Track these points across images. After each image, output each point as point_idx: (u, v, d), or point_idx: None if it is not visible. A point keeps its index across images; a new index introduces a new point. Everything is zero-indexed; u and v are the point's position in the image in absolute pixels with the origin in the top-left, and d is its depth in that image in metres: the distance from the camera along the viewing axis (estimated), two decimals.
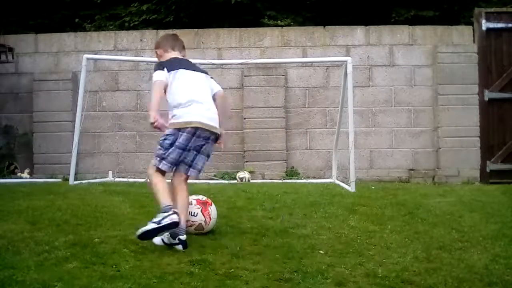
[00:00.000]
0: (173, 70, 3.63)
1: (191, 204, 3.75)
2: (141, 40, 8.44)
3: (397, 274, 2.90)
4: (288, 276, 2.83)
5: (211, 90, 3.78)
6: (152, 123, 3.50)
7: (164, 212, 3.30)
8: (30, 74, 8.35)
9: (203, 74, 3.81)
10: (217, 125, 3.62)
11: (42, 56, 8.46)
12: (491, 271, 2.99)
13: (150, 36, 8.45)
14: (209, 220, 3.74)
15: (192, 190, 5.53)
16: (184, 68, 3.70)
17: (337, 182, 7.24)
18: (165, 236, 3.39)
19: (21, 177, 7.84)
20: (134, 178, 7.75)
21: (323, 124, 8.25)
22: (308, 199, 5.46)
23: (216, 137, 3.67)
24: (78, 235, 3.62)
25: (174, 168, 3.59)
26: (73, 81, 8.17)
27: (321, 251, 3.35)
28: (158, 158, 3.53)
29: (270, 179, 7.82)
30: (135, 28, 9.08)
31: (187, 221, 3.69)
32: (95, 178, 7.70)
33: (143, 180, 7.56)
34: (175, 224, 3.28)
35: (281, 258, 3.16)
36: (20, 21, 9.57)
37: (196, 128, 3.51)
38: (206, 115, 3.57)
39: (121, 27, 9.21)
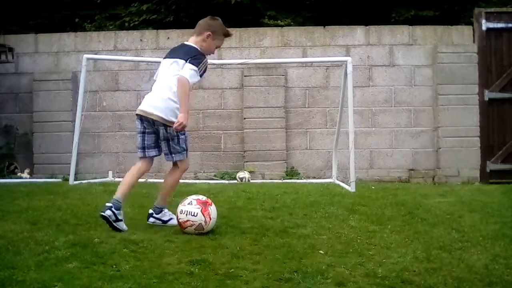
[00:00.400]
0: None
1: (191, 204, 3.75)
2: (141, 40, 8.44)
3: (397, 274, 2.90)
4: (288, 276, 2.83)
5: (174, 75, 3.83)
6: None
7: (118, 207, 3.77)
8: (30, 74, 8.35)
9: (170, 60, 3.92)
10: (157, 111, 3.82)
11: (42, 56, 8.46)
12: (491, 271, 2.99)
13: (150, 36, 8.45)
14: (209, 220, 3.73)
15: (192, 190, 5.56)
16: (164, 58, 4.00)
17: (337, 182, 7.24)
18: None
19: (21, 177, 7.83)
20: None
21: (323, 124, 8.25)
22: (308, 199, 5.46)
23: (164, 123, 3.84)
24: (78, 235, 3.62)
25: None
26: (73, 81, 8.17)
27: (321, 251, 3.35)
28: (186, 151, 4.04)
29: (270, 179, 7.82)
30: (135, 28, 9.08)
31: (187, 221, 3.69)
32: (95, 178, 7.70)
33: (143, 180, 7.55)
34: (103, 218, 3.73)
35: (281, 258, 3.16)
36: (20, 21, 9.57)
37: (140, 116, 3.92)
38: (148, 102, 3.89)
39: (121, 27, 9.21)
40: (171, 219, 3.99)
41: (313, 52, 8.29)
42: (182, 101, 3.76)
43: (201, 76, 3.84)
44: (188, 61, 3.78)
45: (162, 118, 3.82)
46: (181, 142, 3.94)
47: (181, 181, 7.70)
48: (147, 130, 3.97)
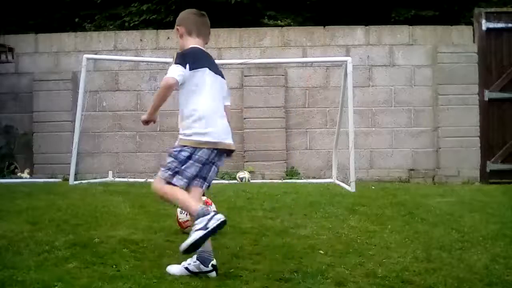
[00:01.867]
0: (197, 68, 2.96)
1: None
2: (141, 40, 8.44)
3: (397, 274, 2.89)
4: (288, 276, 2.83)
5: (224, 99, 3.26)
6: (145, 122, 3.14)
7: (204, 216, 2.71)
8: (30, 74, 8.35)
9: (224, 80, 3.22)
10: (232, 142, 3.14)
11: (42, 56, 8.47)
12: (491, 271, 2.99)
13: (150, 36, 8.45)
14: None
15: None
16: (209, 68, 3.05)
17: (337, 182, 7.24)
18: (191, 263, 2.84)
19: (21, 177, 7.84)
20: (134, 178, 7.75)
21: (323, 124, 8.25)
22: (308, 199, 5.46)
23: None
24: (78, 235, 3.62)
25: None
26: (73, 81, 8.17)
27: (321, 251, 3.35)
28: (170, 172, 2.89)
29: (270, 179, 7.82)
30: (135, 28, 9.08)
31: (187, 221, 3.69)
32: (95, 178, 7.70)
33: (143, 180, 7.56)
34: (224, 223, 2.73)
35: (281, 258, 3.16)
36: (20, 21, 9.57)
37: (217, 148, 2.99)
38: (226, 133, 3.09)
39: (121, 27, 9.21)
40: (214, 215, 2.79)
41: (313, 52, 8.29)
42: (154, 102, 3.10)
43: None
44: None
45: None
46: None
47: None
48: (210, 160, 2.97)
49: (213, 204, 3.85)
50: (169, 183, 2.88)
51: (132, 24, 9.26)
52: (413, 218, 4.48)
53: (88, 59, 7.21)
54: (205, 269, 2.81)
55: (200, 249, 2.79)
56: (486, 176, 7.95)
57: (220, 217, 2.71)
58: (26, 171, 8.03)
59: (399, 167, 8.18)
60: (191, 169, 2.89)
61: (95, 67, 8.26)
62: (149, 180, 6.98)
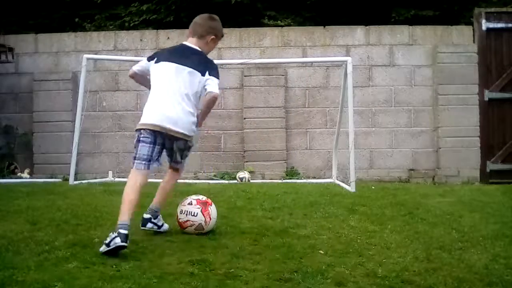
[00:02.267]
0: (158, 61, 3.62)
1: (191, 204, 3.75)
2: (141, 40, 8.44)
3: (397, 274, 2.90)
4: (288, 276, 2.83)
5: (197, 88, 3.53)
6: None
7: (113, 232, 3.15)
8: (30, 74, 8.35)
9: (182, 68, 3.51)
10: (181, 129, 3.48)
11: (42, 56, 8.47)
12: (491, 271, 2.99)
13: (150, 36, 8.45)
14: (209, 220, 3.73)
15: (192, 190, 5.55)
16: (167, 60, 3.57)
17: (337, 182, 7.24)
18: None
19: (21, 177, 7.84)
20: None
21: (323, 124, 8.25)
22: (308, 199, 5.46)
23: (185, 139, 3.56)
24: (78, 235, 3.62)
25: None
26: (73, 81, 8.17)
27: (321, 251, 3.35)
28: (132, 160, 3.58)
29: (270, 179, 7.82)
30: (135, 28, 9.08)
31: (187, 221, 3.69)
32: (95, 178, 7.70)
33: None
34: (119, 248, 3.08)
35: (281, 258, 3.16)
36: (20, 21, 9.57)
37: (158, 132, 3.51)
38: (169, 117, 3.48)
39: (121, 27, 9.22)
40: (163, 224, 3.78)
41: (313, 52, 8.29)
42: (205, 114, 3.67)
43: None
44: (213, 76, 3.56)
45: (185, 135, 3.53)
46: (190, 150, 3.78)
47: (181, 181, 7.75)
48: (157, 142, 3.53)
49: (213, 204, 3.86)
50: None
51: (132, 24, 9.26)
52: (413, 218, 4.48)
53: (88, 59, 7.21)
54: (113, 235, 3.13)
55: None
56: (486, 176, 7.95)
57: (117, 242, 3.05)
58: (26, 171, 8.03)
59: (399, 167, 8.19)
60: (140, 150, 3.55)
61: (95, 67, 8.26)
62: (149, 180, 6.98)
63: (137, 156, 3.50)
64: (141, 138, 3.57)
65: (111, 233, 3.12)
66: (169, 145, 3.60)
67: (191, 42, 3.68)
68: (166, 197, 3.86)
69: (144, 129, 3.57)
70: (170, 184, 3.84)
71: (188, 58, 3.57)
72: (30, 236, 3.55)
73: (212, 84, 3.53)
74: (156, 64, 3.61)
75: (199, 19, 3.77)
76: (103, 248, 3.09)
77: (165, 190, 3.81)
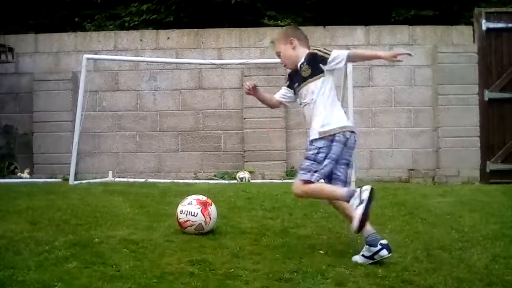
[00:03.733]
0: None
1: (191, 204, 3.75)
2: (141, 40, 8.43)
3: (397, 274, 2.90)
4: (288, 276, 2.83)
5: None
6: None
7: (352, 195, 3.04)
8: (30, 74, 8.34)
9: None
10: None
11: (42, 56, 8.46)
12: (491, 271, 2.99)
13: (150, 36, 8.45)
14: (209, 220, 3.74)
15: (192, 190, 5.56)
16: None
17: None
18: (364, 250, 3.12)
19: (21, 177, 7.83)
20: (134, 178, 7.75)
21: None
22: (308, 199, 5.45)
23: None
24: (78, 235, 3.62)
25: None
26: (73, 81, 8.16)
27: (321, 251, 3.35)
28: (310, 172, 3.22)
29: (270, 179, 7.82)
30: (135, 28, 9.08)
31: (187, 221, 3.70)
32: (95, 178, 7.70)
33: (143, 180, 7.56)
34: (373, 190, 3.02)
35: (281, 258, 3.16)
36: (20, 21, 9.56)
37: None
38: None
39: (121, 27, 9.21)
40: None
41: None
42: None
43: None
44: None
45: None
46: None
47: (181, 181, 7.76)
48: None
49: (213, 204, 3.86)
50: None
51: (132, 24, 9.26)
52: (413, 218, 4.48)
53: (88, 59, 7.21)
54: (375, 249, 3.07)
55: (365, 235, 3.12)
56: (486, 176, 7.94)
57: (366, 187, 3.02)
58: (26, 171, 8.02)
59: (399, 167, 8.18)
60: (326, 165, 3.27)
61: (95, 67, 8.25)
62: (149, 180, 6.98)
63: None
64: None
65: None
66: None
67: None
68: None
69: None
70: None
71: None
72: (30, 236, 3.55)
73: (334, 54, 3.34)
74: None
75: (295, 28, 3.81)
76: (360, 210, 2.97)
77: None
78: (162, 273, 2.82)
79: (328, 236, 3.77)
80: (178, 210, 3.78)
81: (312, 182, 3.20)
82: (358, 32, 8.32)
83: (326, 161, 3.21)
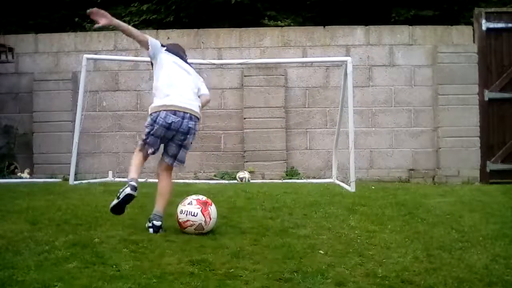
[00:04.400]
0: (170, 52, 4.00)
1: (191, 204, 3.75)
2: None
3: (397, 274, 2.90)
4: (288, 276, 2.83)
5: (198, 88, 4.05)
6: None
7: (123, 187, 3.66)
8: (30, 74, 8.35)
9: (189, 66, 4.07)
10: (195, 108, 3.89)
11: (42, 56, 8.46)
12: (491, 271, 2.99)
13: (150, 36, 8.43)
14: (209, 220, 3.74)
15: (192, 190, 5.56)
16: (179, 58, 4.01)
17: (337, 182, 7.24)
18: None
19: (21, 177, 7.84)
20: None
21: (323, 124, 8.25)
22: (308, 199, 5.46)
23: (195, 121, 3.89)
24: (78, 235, 3.62)
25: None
26: (73, 81, 8.17)
27: (321, 251, 3.35)
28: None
29: (270, 179, 7.82)
30: (135, 28, 9.05)
31: (187, 221, 3.69)
32: (95, 178, 7.70)
33: (143, 180, 7.55)
34: (129, 196, 3.64)
35: (281, 258, 3.16)
36: (20, 21, 9.57)
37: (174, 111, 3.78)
38: (187, 98, 3.87)
39: None
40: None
41: (313, 52, 8.29)
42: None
43: None
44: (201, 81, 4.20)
45: (198, 114, 3.92)
46: (189, 147, 4.00)
47: (181, 181, 7.76)
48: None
49: (213, 204, 3.86)
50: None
51: (132, 24, 9.21)
52: (413, 218, 4.48)
53: (88, 59, 7.21)
54: (147, 225, 3.79)
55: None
56: (486, 176, 7.95)
57: (126, 191, 3.63)
58: (26, 171, 8.03)
59: (399, 167, 8.18)
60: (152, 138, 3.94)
61: (95, 67, 8.26)
62: (149, 180, 6.96)
63: None
64: None
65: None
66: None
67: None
68: (167, 200, 4.07)
69: None
70: (169, 186, 4.11)
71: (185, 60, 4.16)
72: (30, 236, 3.55)
73: (205, 88, 4.34)
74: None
75: None
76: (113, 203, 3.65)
77: (164, 191, 4.07)
78: (162, 273, 2.82)
79: (328, 236, 3.77)
80: (178, 210, 3.78)
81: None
82: (358, 32, 8.32)
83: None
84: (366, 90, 8.24)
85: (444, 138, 8.03)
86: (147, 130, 3.83)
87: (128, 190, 3.62)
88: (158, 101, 3.81)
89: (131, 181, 3.68)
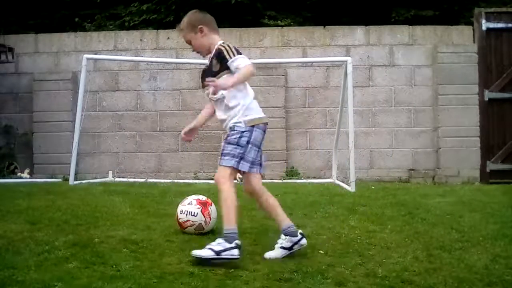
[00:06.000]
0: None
1: (191, 204, 3.75)
2: (141, 40, 8.44)
3: (397, 274, 2.90)
4: (288, 276, 2.83)
5: None
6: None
7: (227, 242, 2.95)
8: (30, 74, 8.35)
9: None
10: None
11: (42, 56, 8.46)
12: (491, 271, 2.99)
13: (150, 36, 8.45)
14: (209, 220, 3.74)
15: (192, 190, 5.55)
16: None
17: (337, 182, 7.24)
18: (283, 241, 3.21)
19: (21, 177, 7.83)
20: (134, 178, 7.75)
21: (323, 124, 8.25)
22: (308, 199, 5.46)
23: None
24: (78, 235, 3.62)
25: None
26: (73, 81, 8.17)
27: (321, 251, 3.35)
28: (236, 159, 3.20)
29: (270, 179, 7.81)
30: (135, 28, 9.08)
31: (187, 221, 3.70)
32: (95, 178, 7.70)
33: (143, 180, 7.56)
34: (232, 259, 2.94)
35: (281, 258, 3.16)
36: (20, 21, 9.57)
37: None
38: None
39: (121, 27, 9.21)
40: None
41: (313, 52, 8.28)
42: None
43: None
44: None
45: None
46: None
47: (181, 181, 7.76)
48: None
49: (213, 204, 3.86)
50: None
51: (132, 24, 9.26)
52: (413, 218, 4.48)
53: (88, 59, 7.20)
54: (295, 239, 3.22)
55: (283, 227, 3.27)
56: (486, 176, 7.95)
57: (234, 254, 2.93)
58: (26, 171, 8.02)
59: (399, 167, 8.18)
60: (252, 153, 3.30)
61: (95, 67, 8.25)
62: (149, 180, 6.99)
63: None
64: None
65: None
66: None
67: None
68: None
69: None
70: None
71: None
72: (30, 236, 3.55)
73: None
74: None
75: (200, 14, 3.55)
76: (208, 254, 2.93)
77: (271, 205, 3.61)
78: (162, 273, 2.82)
79: (328, 236, 3.77)
80: (178, 210, 3.78)
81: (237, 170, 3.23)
82: (358, 32, 8.32)
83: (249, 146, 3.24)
84: (366, 90, 8.24)
85: (444, 138, 8.03)
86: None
87: (235, 253, 2.94)
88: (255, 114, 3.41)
89: (233, 234, 3.00)
